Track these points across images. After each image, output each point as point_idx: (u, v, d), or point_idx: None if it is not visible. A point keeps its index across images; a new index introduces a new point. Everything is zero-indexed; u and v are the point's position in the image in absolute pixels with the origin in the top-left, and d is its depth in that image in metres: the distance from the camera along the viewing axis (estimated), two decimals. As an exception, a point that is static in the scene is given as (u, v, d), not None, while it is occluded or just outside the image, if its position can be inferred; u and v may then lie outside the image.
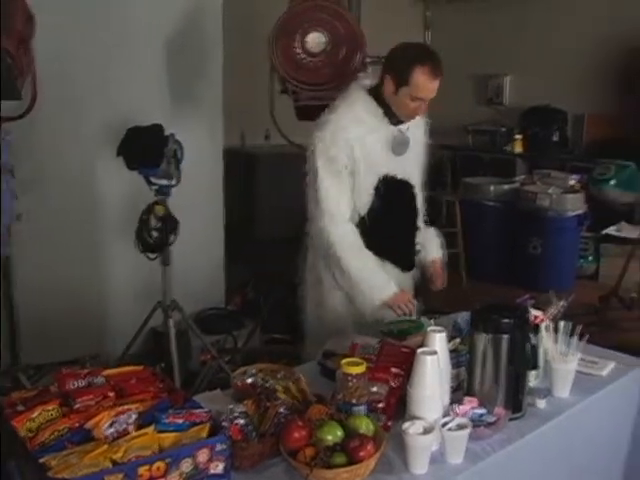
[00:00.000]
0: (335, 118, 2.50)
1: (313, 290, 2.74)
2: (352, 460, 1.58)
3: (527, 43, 6.32)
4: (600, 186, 5.34)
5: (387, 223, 2.59)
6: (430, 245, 2.80)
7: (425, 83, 2.41)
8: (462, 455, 1.72)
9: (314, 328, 2.75)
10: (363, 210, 2.57)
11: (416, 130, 2.67)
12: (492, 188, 5.77)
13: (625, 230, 5.46)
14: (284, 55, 3.57)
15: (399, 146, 2.56)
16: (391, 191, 2.58)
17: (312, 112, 3.75)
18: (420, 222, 2.77)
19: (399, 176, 2.60)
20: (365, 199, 2.55)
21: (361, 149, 2.48)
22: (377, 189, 2.55)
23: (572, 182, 5.61)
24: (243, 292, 4.71)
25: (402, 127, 2.56)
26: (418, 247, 2.75)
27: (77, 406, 1.63)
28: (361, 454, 1.58)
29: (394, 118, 2.53)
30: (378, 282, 2.55)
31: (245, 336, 4.21)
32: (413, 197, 2.69)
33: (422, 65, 2.40)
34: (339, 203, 2.53)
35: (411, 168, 2.66)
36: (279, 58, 3.58)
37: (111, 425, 1.55)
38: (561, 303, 2.37)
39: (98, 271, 3.87)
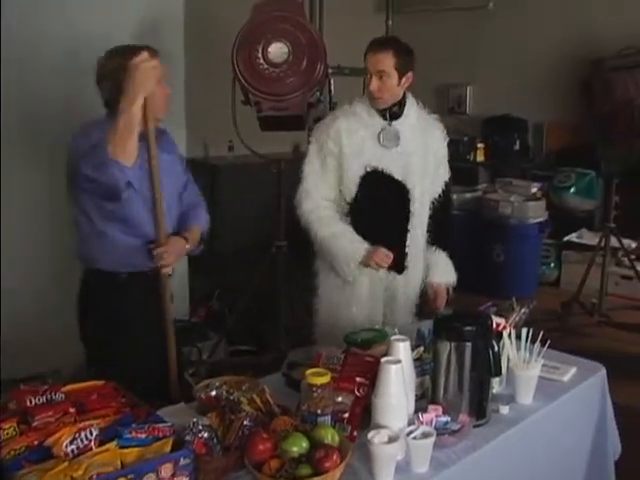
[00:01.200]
0: (334, 112, 2.85)
1: (327, 293, 2.85)
2: (317, 471, 1.57)
3: (488, 53, 6.41)
4: (560, 194, 5.42)
5: (372, 216, 2.71)
6: (437, 267, 2.88)
7: (369, 56, 2.66)
8: (427, 463, 1.72)
9: (326, 333, 2.80)
10: (349, 197, 2.72)
11: (433, 140, 2.83)
12: (455, 197, 5.78)
13: (586, 237, 5.55)
14: (246, 66, 3.57)
15: (387, 138, 2.70)
16: (379, 186, 2.71)
17: (275, 122, 3.77)
18: (412, 226, 2.80)
19: (395, 175, 2.71)
20: (351, 188, 2.71)
21: (349, 138, 2.69)
22: (363, 179, 2.69)
23: (533, 190, 5.68)
24: (207, 304, 4.67)
25: (395, 123, 2.71)
26: (408, 250, 2.81)
27: (36, 423, 1.61)
28: (326, 465, 1.58)
29: (385, 116, 2.70)
30: (349, 243, 2.68)
31: (210, 348, 4.18)
32: (406, 199, 2.75)
33: (369, 43, 2.69)
34: (318, 184, 2.74)
35: (413, 172, 2.74)
36: (241, 69, 3.58)
37: (72, 442, 1.52)
38: (523, 310, 2.40)
39: (57, 285, 3.80)
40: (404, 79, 2.66)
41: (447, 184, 2.91)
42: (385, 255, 2.66)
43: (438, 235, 2.88)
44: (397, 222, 2.78)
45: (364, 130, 2.70)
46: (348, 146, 2.68)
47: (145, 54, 2.21)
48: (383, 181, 2.71)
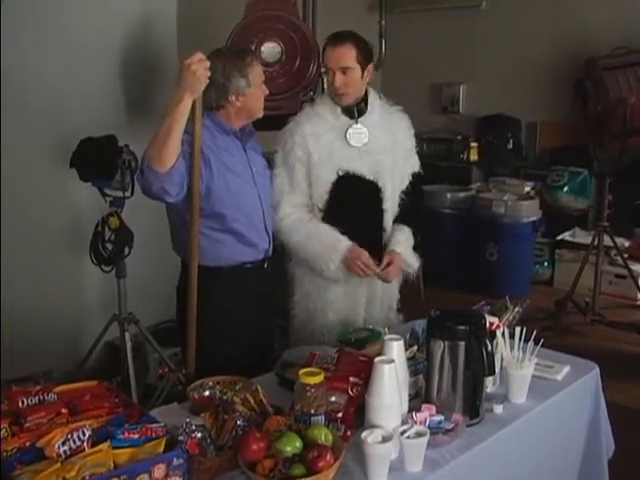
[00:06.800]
0: (298, 116, 2.71)
1: (303, 300, 2.81)
2: (311, 471, 1.57)
3: (481, 52, 6.41)
4: (554, 193, 5.43)
5: (346, 219, 2.64)
6: (396, 237, 2.77)
7: (327, 52, 2.62)
8: (421, 463, 1.72)
9: (301, 329, 2.81)
10: (321, 204, 2.66)
11: (399, 133, 2.77)
12: (449, 196, 5.80)
13: (579, 236, 5.55)
14: (239, 65, 3.56)
15: (354, 137, 2.63)
16: (351, 188, 2.65)
17: (268, 122, 3.76)
18: (387, 224, 2.77)
19: (366, 176, 2.66)
20: (322, 193, 2.65)
21: (315, 143, 2.61)
22: (335, 184, 2.63)
23: (527, 189, 5.68)
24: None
25: (361, 120, 2.65)
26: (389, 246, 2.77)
27: (28, 424, 1.60)
28: (320, 465, 1.57)
29: (352, 114, 2.64)
30: (329, 240, 2.62)
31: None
32: (379, 198, 2.72)
33: (327, 40, 2.64)
34: (287, 193, 2.65)
35: (384, 171, 2.70)
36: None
37: (64, 443, 1.51)
38: (517, 309, 2.40)
39: (52, 284, 3.79)
40: (366, 72, 2.62)
41: (416, 175, 2.86)
42: (366, 261, 2.61)
43: (403, 217, 2.81)
44: (371, 222, 2.74)
45: (330, 132, 2.63)
46: (316, 152, 2.61)
47: (199, 54, 2.14)
48: (355, 183, 2.65)
